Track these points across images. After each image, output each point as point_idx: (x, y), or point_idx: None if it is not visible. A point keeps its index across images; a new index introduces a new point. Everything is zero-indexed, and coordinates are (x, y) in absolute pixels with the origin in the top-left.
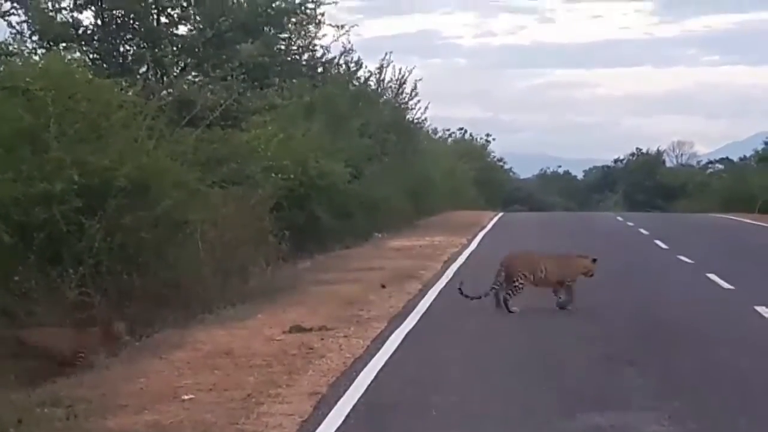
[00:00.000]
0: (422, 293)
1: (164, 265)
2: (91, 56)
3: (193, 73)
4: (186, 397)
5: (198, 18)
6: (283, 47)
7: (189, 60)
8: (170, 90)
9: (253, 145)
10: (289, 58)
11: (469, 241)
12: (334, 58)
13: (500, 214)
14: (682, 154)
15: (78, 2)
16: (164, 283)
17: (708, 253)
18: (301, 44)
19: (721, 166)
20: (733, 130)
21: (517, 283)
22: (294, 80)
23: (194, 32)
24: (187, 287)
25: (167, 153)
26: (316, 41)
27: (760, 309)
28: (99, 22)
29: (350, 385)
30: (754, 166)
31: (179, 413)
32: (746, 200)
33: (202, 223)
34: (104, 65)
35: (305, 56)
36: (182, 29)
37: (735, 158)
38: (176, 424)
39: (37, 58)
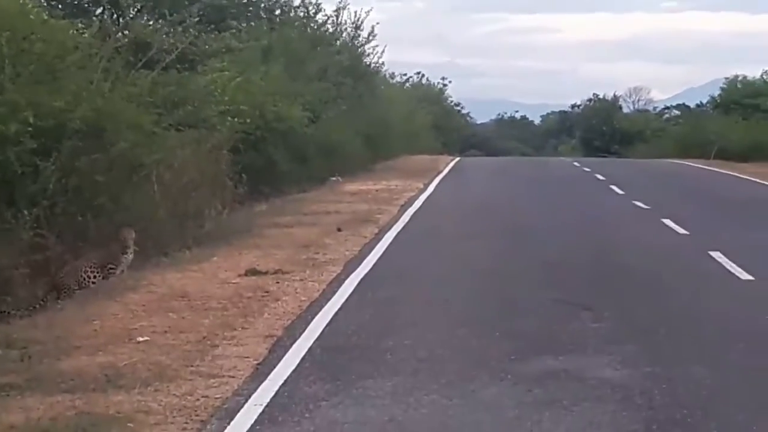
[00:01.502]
0: (378, 237)
1: (119, 207)
2: None
3: (149, 15)
4: (141, 339)
5: None
6: None
7: (145, 2)
8: (126, 32)
9: (210, 88)
10: (245, 1)
11: (426, 186)
12: (291, 0)
13: (457, 159)
14: (638, 100)
15: None
16: (119, 226)
17: (663, 198)
18: None
19: (677, 112)
20: (690, 77)
21: None
22: (251, 23)
23: None
24: (142, 230)
25: (123, 95)
26: None
27: (714, 254)
28: None
29: (305, 329)
30: (711, 113)
31: (134, 355)
32: (702, 146)
33: (157, 166)
34: (59, 6)
35: None
36: None
37: (692, 104)
38: (131, 366)
39: None
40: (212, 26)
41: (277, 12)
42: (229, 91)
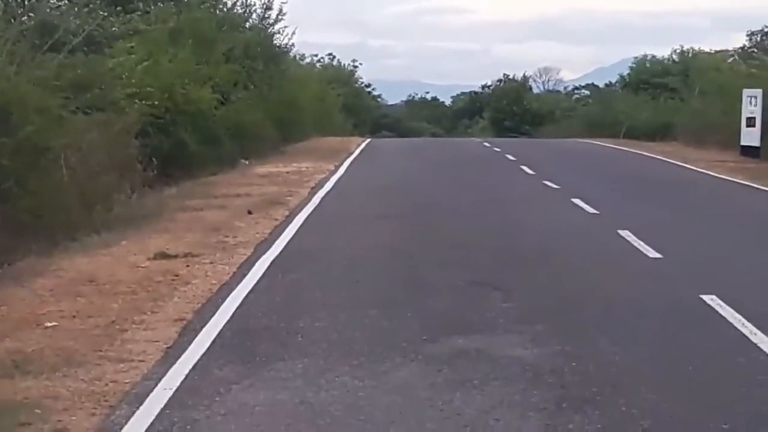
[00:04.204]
0: (289, 219)
1: (26, 192)
2: None
3: None
4: (49, 324)
5: None
6: None
7: None
8: (32, 14)
9: (118, 71)
10: None
11: (337, 167)
12: None
13: (368, 140)
14: (548, 80)
15: None
16: (26, 211)
17: (573, 178)
18: None
19: (587, 92)
20: (599, 56)
21: None
22: (159, 4)
23: None
24: (50, 215)
25: (29, 78)
26: None
27: (623, 233)
28: None
29: (216, 312)
30: (620, 92)
31: (41, 340)
32: (612, 125)
33: (65, 149)
34: None
35: None
36: None
37: (601, 84)
38: (38, 352)
39: None
40: (119, 8)
41: None
42: (137, 73)
